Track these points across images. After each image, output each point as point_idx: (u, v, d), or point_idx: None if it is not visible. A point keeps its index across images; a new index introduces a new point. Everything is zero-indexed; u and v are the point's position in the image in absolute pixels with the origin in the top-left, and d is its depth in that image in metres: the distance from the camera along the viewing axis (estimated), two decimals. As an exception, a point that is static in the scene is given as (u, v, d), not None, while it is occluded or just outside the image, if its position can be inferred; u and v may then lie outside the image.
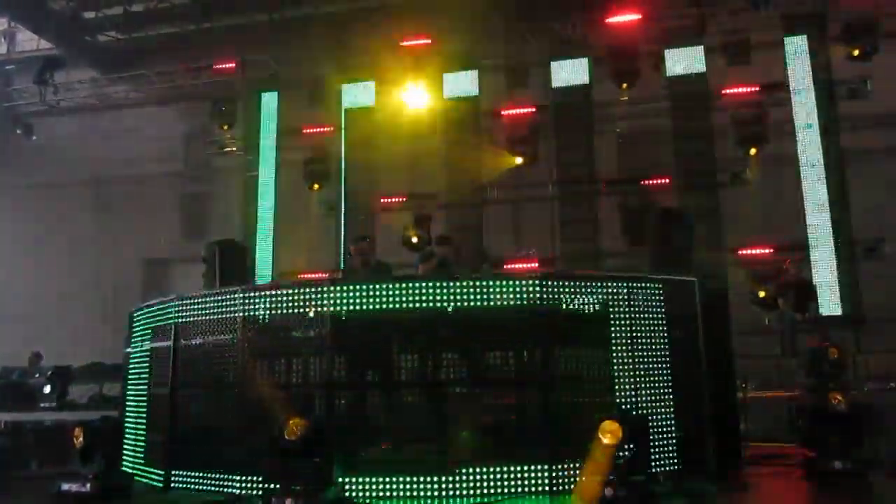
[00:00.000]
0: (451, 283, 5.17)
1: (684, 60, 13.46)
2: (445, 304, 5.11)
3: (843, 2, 13.34)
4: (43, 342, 14.43)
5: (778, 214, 14.59)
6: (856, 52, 12.98)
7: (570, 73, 13.98)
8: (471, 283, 5.19)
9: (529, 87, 14.76)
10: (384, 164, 14.78)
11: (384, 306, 5.11)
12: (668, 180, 13.58)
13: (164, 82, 16.90)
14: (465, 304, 5.12)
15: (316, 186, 14.83)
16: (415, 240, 8.55)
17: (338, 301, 5.19)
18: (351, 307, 5.16)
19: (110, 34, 18.47)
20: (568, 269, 12.55)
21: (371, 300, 5.14)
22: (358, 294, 5.19)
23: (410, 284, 5.18)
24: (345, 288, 5.27)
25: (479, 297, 5.12)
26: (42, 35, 17.80)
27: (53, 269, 18.26)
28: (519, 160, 14.09)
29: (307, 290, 5.33)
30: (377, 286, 5.22)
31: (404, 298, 5.11)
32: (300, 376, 5.45)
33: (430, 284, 5.16)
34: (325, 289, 5.26)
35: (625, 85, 13.76)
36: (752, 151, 13.07)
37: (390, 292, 5.15)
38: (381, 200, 14.73)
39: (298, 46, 16.18)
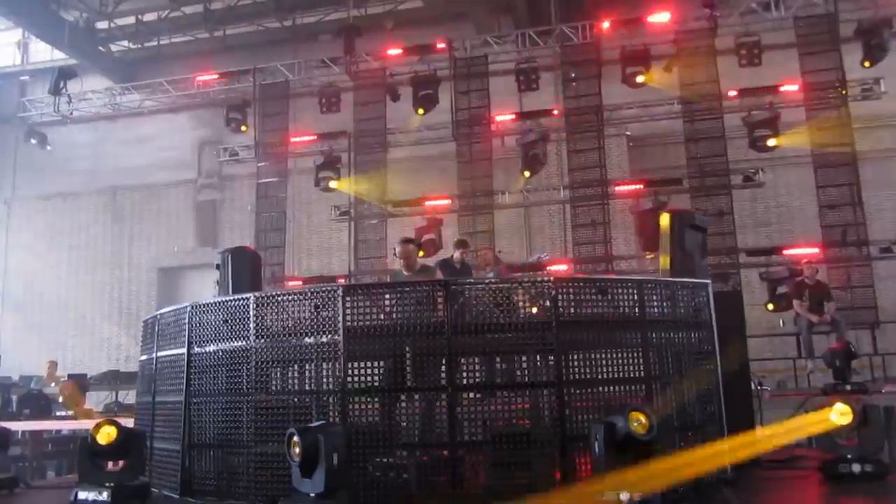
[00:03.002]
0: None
1: (696, 61, 13.42)
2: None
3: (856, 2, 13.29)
4: (60, 351, 14.57)
5: (792, 216, 14.54)
6: (867, 64, 12.97)
7: (581, 76, 13.96)
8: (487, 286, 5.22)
9: (541, 90, 14.78)
10: (395, 168, 14.81)
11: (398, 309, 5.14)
12: (680, 182, 13.54)
13: (177, 91, 17.02)
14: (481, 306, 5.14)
15: (336, 184, 14.81)
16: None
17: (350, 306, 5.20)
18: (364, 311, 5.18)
19: (123, 44, 18.66)
20: (582, 272, 12.56)
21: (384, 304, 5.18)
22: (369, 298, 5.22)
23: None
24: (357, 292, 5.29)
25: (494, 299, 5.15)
26: (56, 46, 17.97)
27: (69, 278, 18.43)
28: (527, 174, 14.15)
29: (319, 295, 5.34)
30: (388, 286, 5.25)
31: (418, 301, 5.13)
32: (313, 383, 5.45)
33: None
34: (337, 294, 5.26)
35: (642, 77, 13.70)
36: (776, 142, 12.99)
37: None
38: (394, 205, 14.78)
39: (309, 53, 16.28)
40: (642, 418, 4.44)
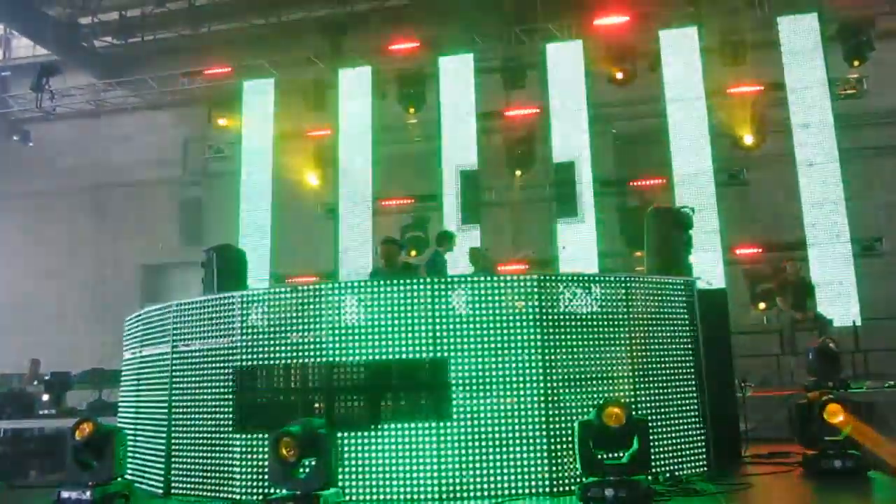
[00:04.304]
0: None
1: (681, 60, 13.47)
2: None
3: (839, 1, 13.39)
4: (42, 349, 14.42)
5: (776, 214, 14.61)
6: (856, 63, 13.05)
7: (566, 73, 13.98)
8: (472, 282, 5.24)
9: (526, 87, 14.79)
10: (381, 165, 14.77)
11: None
12: (665, 180, 13.60)
13: (161, 87, 16.89)
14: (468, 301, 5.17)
15: (321, 181, 14.72)
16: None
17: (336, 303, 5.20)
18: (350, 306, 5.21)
19: (107, 40, 18.50)
20: (567, 270, 12.59)
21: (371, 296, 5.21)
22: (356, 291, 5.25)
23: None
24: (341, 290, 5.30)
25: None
26: (38, 41, 17.80)
27: (52, 275, 18.25)
28: (518, 173, 14.18)
29: (305, 293, 5.33)
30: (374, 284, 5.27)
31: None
32: (299, 380, 5.44)
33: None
34: (322, 292, 5.26)
35: (619, 75, 13.72)
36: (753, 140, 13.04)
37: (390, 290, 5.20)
38: (380, 203, 14.73)
39: (294, 50, 16.20)
40: (617, 412, 4.48)
